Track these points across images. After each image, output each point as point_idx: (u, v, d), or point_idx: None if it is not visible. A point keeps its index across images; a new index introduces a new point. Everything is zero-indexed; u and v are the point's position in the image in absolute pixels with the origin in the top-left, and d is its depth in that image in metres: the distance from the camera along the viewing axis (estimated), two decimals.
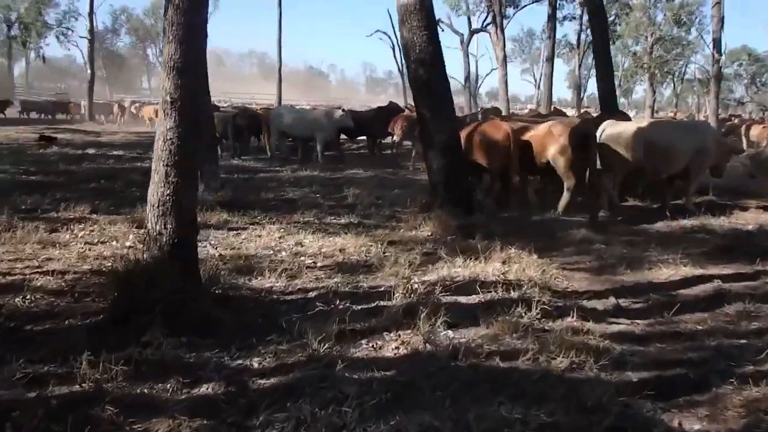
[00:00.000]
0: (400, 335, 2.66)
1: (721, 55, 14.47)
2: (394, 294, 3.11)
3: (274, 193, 6.73)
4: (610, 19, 25.21)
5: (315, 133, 10.16)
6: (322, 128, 10.04)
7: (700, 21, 25.72)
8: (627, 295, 3.41)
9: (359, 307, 3.02)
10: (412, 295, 3.10)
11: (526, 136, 5.90)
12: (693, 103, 36.16)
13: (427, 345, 2.54)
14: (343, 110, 10.79)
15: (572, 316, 2.96)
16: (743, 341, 2.74)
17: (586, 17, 15.76)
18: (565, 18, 23.88)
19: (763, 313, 3.11)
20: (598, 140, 5.66)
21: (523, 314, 2.92)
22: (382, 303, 3.07)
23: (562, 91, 52.09)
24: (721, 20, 13.57)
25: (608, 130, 5.74)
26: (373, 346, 2.57)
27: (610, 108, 8.62)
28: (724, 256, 4.21)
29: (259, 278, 3.42)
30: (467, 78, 23.85)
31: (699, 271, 3.83)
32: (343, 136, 11.59)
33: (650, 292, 3.47)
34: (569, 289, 3.52)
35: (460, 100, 28.83)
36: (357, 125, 10.49)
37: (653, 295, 3.39)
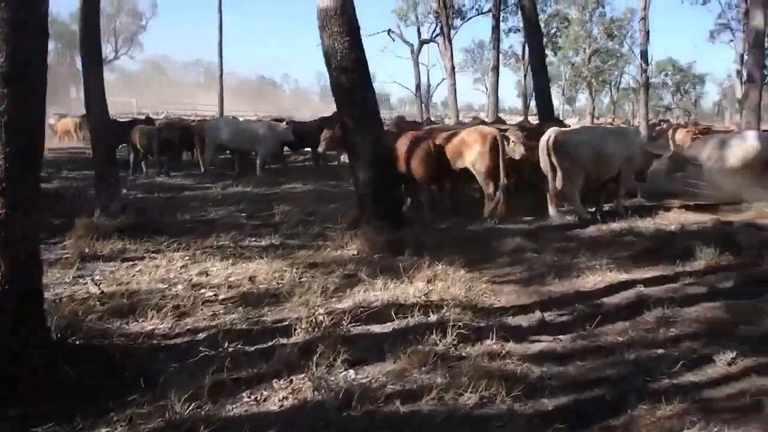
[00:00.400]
0: (292, 381, 2.32)
1: (648, 65, 15.51)
2: (295, 329, 2.75)
3: (194, 213, 6.16)
4: (552, 31, 26.61)
5: (255, 146, 9.65)
6: (263, 141, 9.54)
7: (631, 35, 27.49)
8: (553, 308, 3.35)
9: (253, 348, 2.64)
10: (317, 329, 2.76)
11: (446, 145, 5.84)
12: (629, 110, 38.72)
13: (316, 393, 2.19)
14: (287, 123, 10.33)
15: (492, 338, 2.80)
16: (661, 351, 2.72)
17: None
18: (510, 30, 24.69)
19: (680, 318, 3.13)
20: (546, 147, 5.68)
21: (438, 341, 2.70)
22: (282, 340, 2.71)
23: (513, 100, 54.21)
24: (647, 34, 14.59)
25: (554, 137, 5.77)
26: (256, 398, 2.20)
27: (547, 116, 9.75)
28: (648, 257, 4.29)
29: (140, 320, 2.96)
30: (418, 87, 24.12)
31: (624, 276, 3.86)
32: (287, 149, 11.14)
33: (576, 302, 3.43)
34: (495, 305, 3.40)
35: (413, 110, 28.98)
36: (300, 137, 10.05)
37: (578, 306, 3.36)
